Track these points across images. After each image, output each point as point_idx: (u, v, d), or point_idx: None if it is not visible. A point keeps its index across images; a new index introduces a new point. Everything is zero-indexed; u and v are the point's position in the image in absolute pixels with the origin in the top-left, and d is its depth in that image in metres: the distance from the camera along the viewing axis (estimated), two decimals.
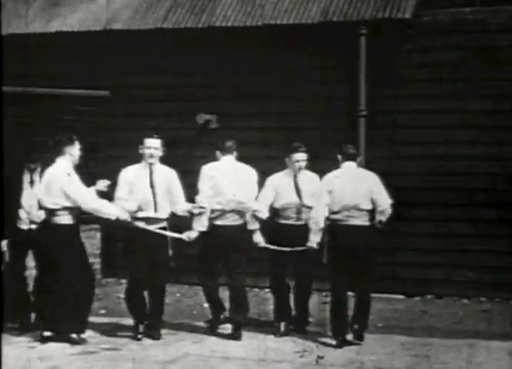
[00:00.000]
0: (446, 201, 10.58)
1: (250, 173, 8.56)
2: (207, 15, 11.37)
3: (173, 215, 8.40)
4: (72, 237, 8.14)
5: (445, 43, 10.61)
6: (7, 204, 8.22)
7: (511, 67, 10.40)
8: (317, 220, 8.14)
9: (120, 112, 11.71)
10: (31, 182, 8.59)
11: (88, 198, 8.03)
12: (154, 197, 8.26)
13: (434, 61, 10.64)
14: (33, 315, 8.59)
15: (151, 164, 8.31)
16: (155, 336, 8.29)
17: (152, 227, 8.22)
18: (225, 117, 11.25)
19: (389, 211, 8.16)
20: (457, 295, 10.48)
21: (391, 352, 7.88)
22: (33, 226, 8.42)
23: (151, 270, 8.27)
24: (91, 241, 11.41)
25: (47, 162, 8.21)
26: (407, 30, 10.69)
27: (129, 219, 8.12)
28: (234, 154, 8.57)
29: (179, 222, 8.50)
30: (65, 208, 8.01)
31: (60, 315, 8.00)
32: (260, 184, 8.63)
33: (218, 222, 8.41)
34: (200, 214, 8.33)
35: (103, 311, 9.68)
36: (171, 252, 8.35)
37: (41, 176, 8.31)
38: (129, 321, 8.47)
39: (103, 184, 8.16)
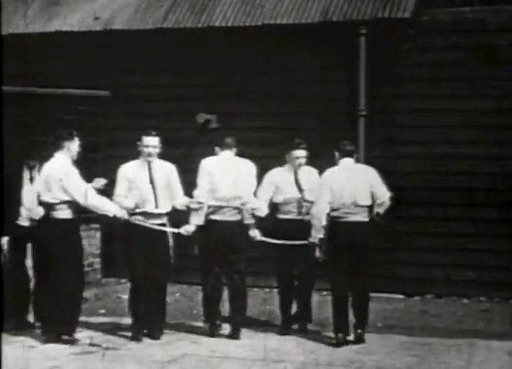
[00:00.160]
0: (445, 201, 10.58)
1: (248, 167, 8.56)
2: (207, 15, 11.37)
3: (172, 211, 8.41)
4: (71, 232, 8.14)
5: (445, 43, 10.60)
6: (7, 203, 8.23)
7: (511, 66, 10.40)
8: (319, 216, 8.14)
9: (120, 112, 11.71)
10: (31, 179, 8.61)
11: (87, 194, 8.03)
12: (155, 193, 8.27)
13: (434, 60, 10.64)
14: (31, 315, 8.60)
15: (149, 161, 8.33)
16: (155, 336, 8.28)
17: (151, 223, 8.21)
18: (225, 116, 11.25)
19: (388, 203, 8.17)
20: (457, 295, 10.48)
21: (391, 352, 7.88)
22: (33, 222, 8.41)
23: (151, 268, 8.26)
24: (91, 241, 11.43)
25: (46, 158, 8.22)
26: (406, 29, 10.69)
27: (126, 216, 8.12)
28: (234, 150, 8.58)
29: (178, 217, 8.50)
30: (64, 202, 8.02)
31: (53, 315, 8.00)
32: (260, 182, 8.64)
33: (215, 217, 8.41)
34: (198, 208, 8.34)
35: (103, 311, 9.68)
36: (171, 252, 8.36)
37: (39, 172, 8.32)
38: (129, 321, 8.45)
39: (99, 182, 8.14)
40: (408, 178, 10.60)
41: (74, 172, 8.07)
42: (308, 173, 8.68)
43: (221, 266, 8.43)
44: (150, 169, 8.32)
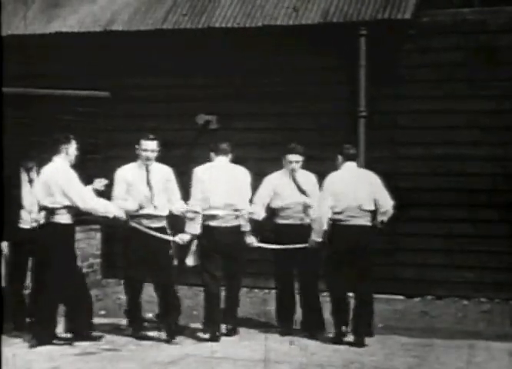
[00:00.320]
0: (446, 202, 10.58)
1: (243, 174, 8.53)
2: (206, 16, 11.37)
3: (170, 215, 8.42)
4: (69, 237, 8.15)
5: (445, 43, 10.61)
6: (7, 203, 8.22)
7: (511, 67, 10.40)
8: (320, 221, 8.13)
9: (120, 113, 11.70)
10: (30, 181, 8.59)
11: (86, 197, 8.03)
12: (152, 196, 8.27)
13: (434, 61, 10.64)
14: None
15: (147, 165, 8.33)
16: (168, 336, 8.24)
17: (151, 227, 8.22)
18: (225, 117, 11.25)
19: (391, 211, 8.21)
20: (457, 296, 10.47)
21: (391, 353, 7.88)
22: (34, 224, 8.39)
23: (153, 271, 8.29)
24: (91, 242, 11.43)
25: (44, 161, 8.21)
26: (407, 30, 10.69)
27: (125, 217, 8.14)
28: (229, 156, 8.54)
29: (176, 220, 8.51)
30: (65, 207, 8.01)
31: (49, 316, 8.01)
32: (259, 184, 8.62)
33: (212, 223, 8.40)
34: (193, 218, 8.34)
35: (103, 312, 9.67)
36: (171, 252, 8.36)
37: (38, 174, 8.31)
38: None
39: (100, 183, 8.16)
40: (408, 179, 10.59)
41: (74, 176, 8.06)
42: (305, 177, 8.63)
43: (220, 270, 8.42)
44: (148, 172, 8.32)
